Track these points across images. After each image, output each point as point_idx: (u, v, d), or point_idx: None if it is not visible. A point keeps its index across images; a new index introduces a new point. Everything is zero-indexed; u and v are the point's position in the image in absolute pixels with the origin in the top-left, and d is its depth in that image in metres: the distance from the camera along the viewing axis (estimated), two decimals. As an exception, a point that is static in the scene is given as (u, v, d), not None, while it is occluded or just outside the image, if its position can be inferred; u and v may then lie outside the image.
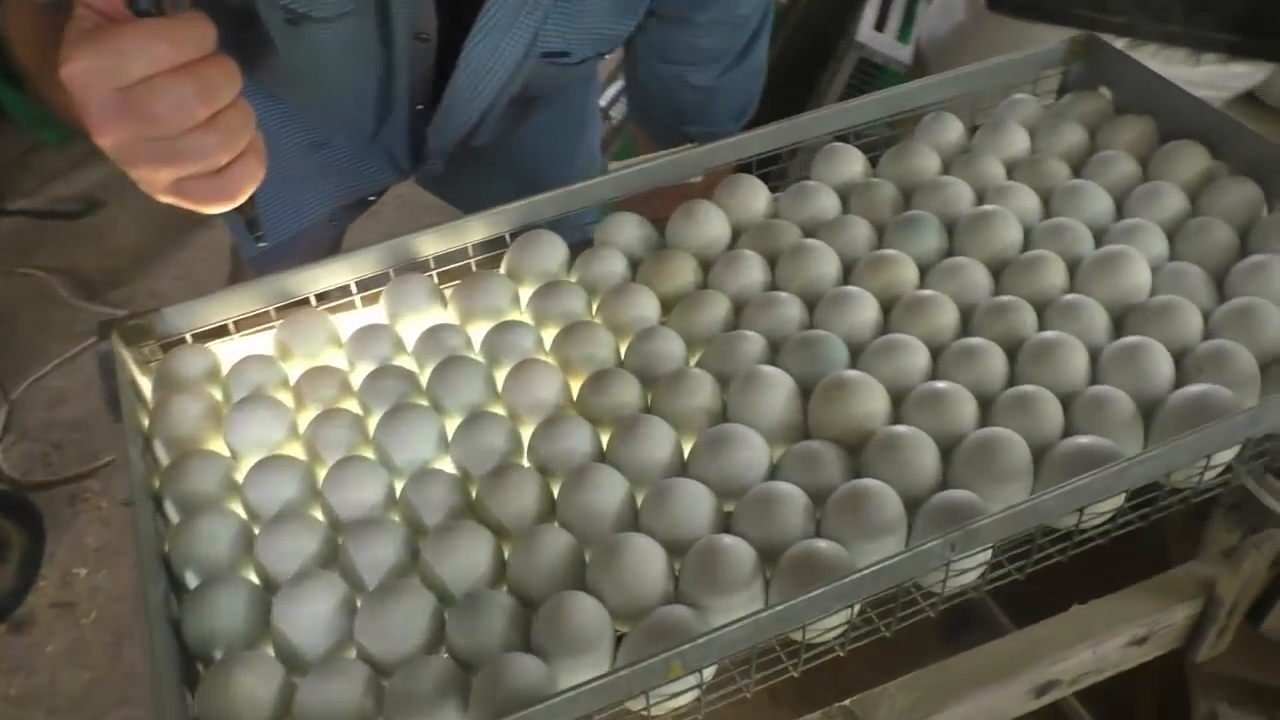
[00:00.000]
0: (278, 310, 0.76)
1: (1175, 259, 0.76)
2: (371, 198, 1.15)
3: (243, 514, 0.65)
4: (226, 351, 0.75)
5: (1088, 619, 0.63)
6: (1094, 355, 0.69)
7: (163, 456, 0.68)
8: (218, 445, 0.69)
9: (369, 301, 0.78)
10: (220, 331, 0.76)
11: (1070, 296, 0.72)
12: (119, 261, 2.21)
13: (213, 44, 0.56)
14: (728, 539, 0.60)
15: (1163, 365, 0.67)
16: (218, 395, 0.71)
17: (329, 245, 1.28)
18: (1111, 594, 0.64)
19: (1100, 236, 0.77)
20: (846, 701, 0.60)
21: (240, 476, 0.66)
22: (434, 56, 0.87)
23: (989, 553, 0.60)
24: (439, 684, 0.55)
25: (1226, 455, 0.65)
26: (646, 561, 0.59)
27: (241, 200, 0.60)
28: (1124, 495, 0.62)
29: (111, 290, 2.14)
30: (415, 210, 2.01)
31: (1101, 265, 0.73)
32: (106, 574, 1.67)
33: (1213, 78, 1.38)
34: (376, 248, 0.76)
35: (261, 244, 0.66)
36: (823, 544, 0.59)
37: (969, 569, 0.60)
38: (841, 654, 0.59)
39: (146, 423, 0.70)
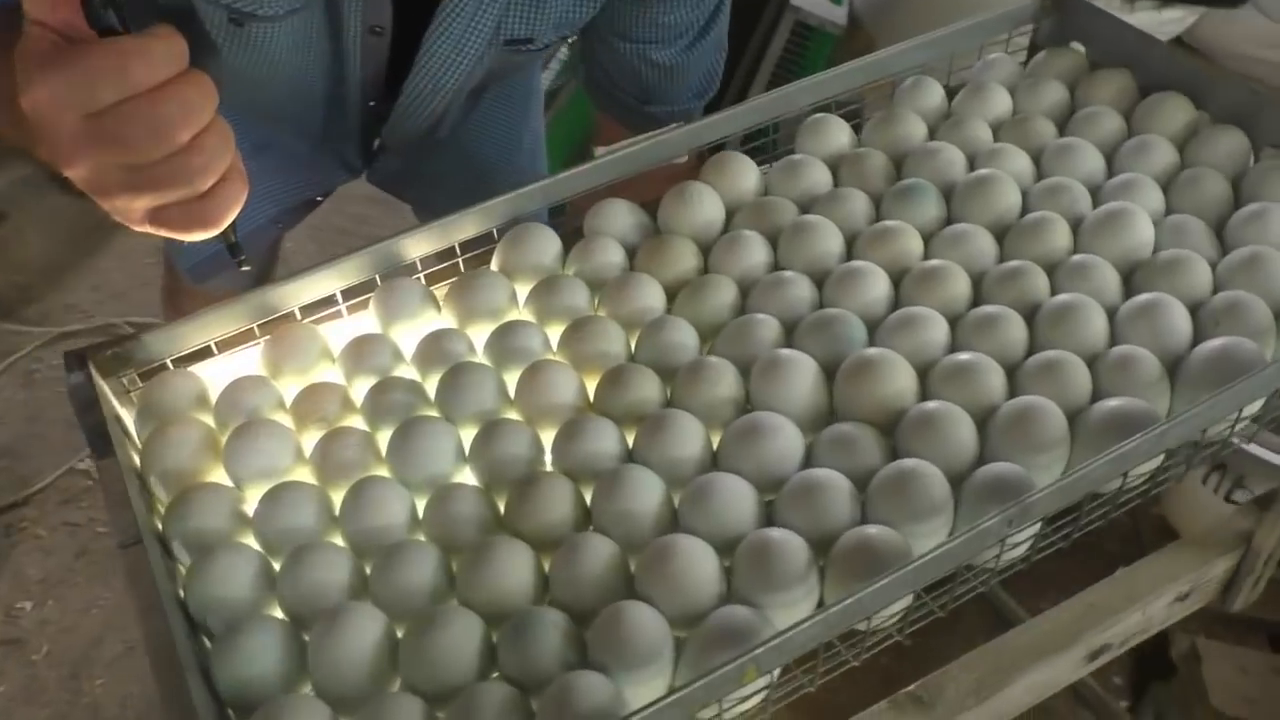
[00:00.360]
0: (260, 327, 0.71)
1: (1171, 212, 0.76)
2: (319, 198, 1.11)
3: (257, 548, 0.61)
4: (209, 374, 0.71)
5: (1134, 581, 0.63)
6: (1110, 315, 0.69)
7: (160, 493, 0.64)
8: (218, 476, 0.65)
9: (354, 310, 0.75)
10: (200, 354, 0.71)
11: (1079, 257, 0.71)
12: (29, 276, 2.10)
13: (186, 60, 0.52)
14: (777, 533, 0.58)
15: (1180, 321, 0.67)
16: (209, 422, 0.67)
17: (270, 248, 1.23)
18: (1152, 554, 0.64)
19: (1096, 194, 0.77)
20: (912, 686, 0.59)
21: (249, 508, 0.63)
22: (388, 51, 0.83)
23: (1039, 524, 0.59)
24: (499, 712, 0.52)
25: (1254, 408, 0.65)
26: (697, 563, 0.57)
27: (225, 225, 0.57)
28: (1163, 455, 0.62)
29: (25, 307, 2.04)
30: (344, 201, 1.95)
31: (1105, 223, 0.73)
32: (54, 605, 1.59)
33: (1147, 23, 1.40)
34: (360, 254, 0.73)
35: (245, 268, 0.62)
36: (874, 530, 0.57)
37: (1020, 542, 0.60)
38: (903, 640, 0.58)
39: (136, 458, 0.65)
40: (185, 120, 0.51)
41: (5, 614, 1.58)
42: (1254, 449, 1.25)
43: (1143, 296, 0.68)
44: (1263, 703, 1.25)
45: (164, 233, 0.56)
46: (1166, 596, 0.63)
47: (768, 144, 0.84)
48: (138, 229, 0.56)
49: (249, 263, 0.64)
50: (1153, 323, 0.67)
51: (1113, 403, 0.63)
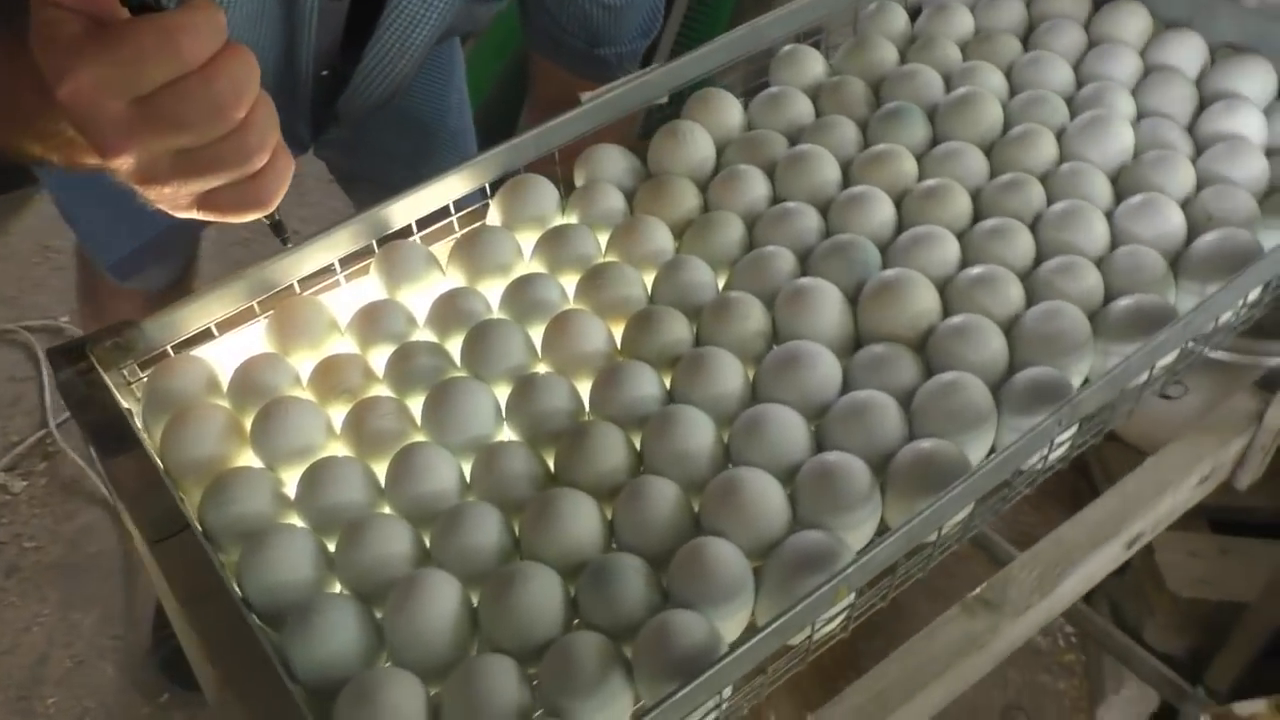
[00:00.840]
0: (260, 305, 0.69)
1: (1142, 114, 0.78)
2: None
3: (306, 527, 0.59)
4: (213, 358, 0.68)
5: (1162, 468, 0.66)
6: (1106, 216, 0.71)
7: (191, 485, 0.61)
8: (245, 460, 0.62)
9: (353, 278, 0.72)
10: (196, 339, 0.68)
11: (1069, 165, 0.73)
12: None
13: (226, 32, 0.49)
14: (835, 456, 0.59)
15: (1174, 217, 0.70)
16: (225, 406, 0.64)
17: (196, 236, 1.17)
18: (1172, 442, 0.67)
19: (1070, 103, 0.79)
20: (978, 590, 0.60)
21: (287, 488, 0.60)
22: (345, 17, 0.79)
23: (1077, 425, 0.61)
24: (596, 660, 0.52)
25: (1255, 293, 0.68)
26: (763, 494, 0.57)
27: (276, 204, 0.54)
28: (1178, 351, 0.65)
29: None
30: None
31: (1087, 131, 0.75)
32: (-11, 627, 1.52)
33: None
34: (354, 221, 0.70)
35: (289, 244, 0.60)
36: (929, 444, 0.59)
37: (1062, 443, 0.62)
38: (959, 549, 0.60)
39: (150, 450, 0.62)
40: (238, 97, 0.49)
41: (-62, 641, 1.50)
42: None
43: (1137, 197, 0.70)
44: (1213, 582, 1.32)
45: (214, 216, 0.53)
46: (1192, 479, 0.66)
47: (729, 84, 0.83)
48: (182, 215, 0.53)
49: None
50: (1150, 221, 0.69)
51: (1125, 302, 0.65)
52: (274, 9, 0.76)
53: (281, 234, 0.60)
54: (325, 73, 0.85)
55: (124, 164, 0.48)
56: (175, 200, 0.51)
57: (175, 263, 1.14)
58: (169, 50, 0.46)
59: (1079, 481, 1.54)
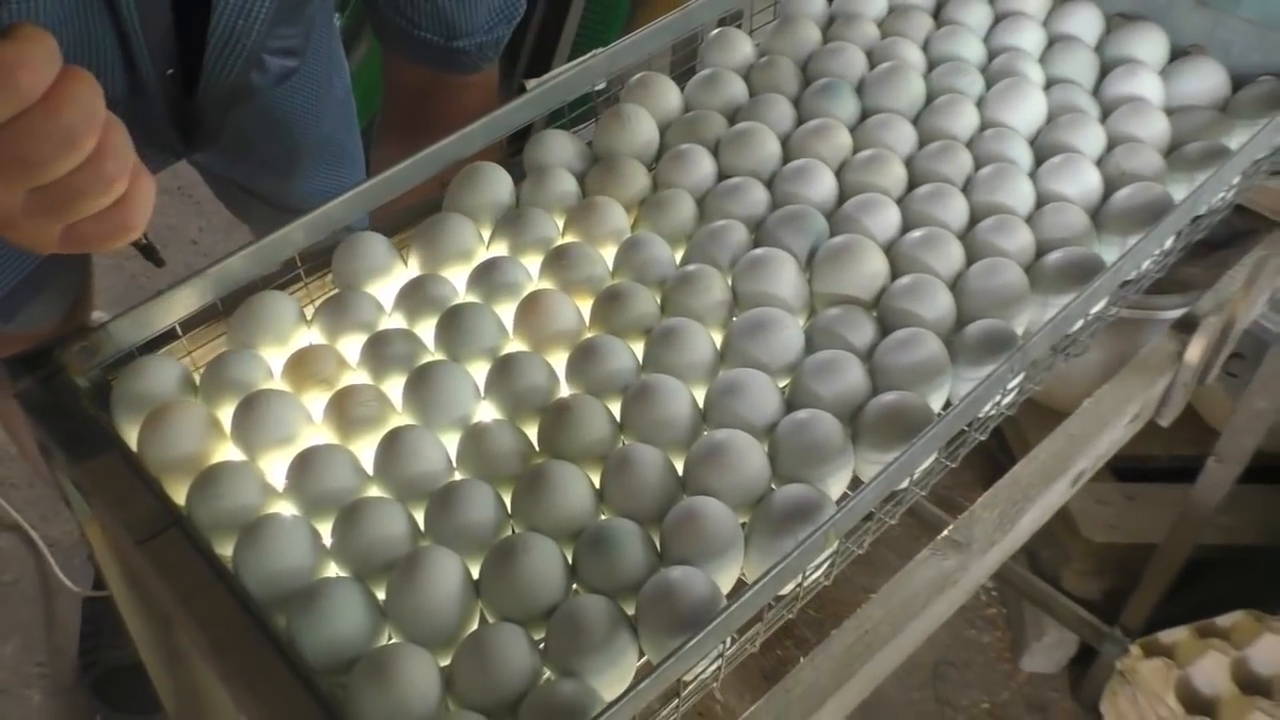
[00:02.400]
0: (223, 302, 0.69)
1: (1051, 81, 0.83)
2: None
3: (298, 515, 0.59)
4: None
5: (1100, 409, 0.71)
6: (1030, 178, 0.75)
7: (171, 483, 0.61)
8: (226, 454, 0.62)
9: (312, 274, 0.73)
10: (161, 341, 0.68)
11: (991, 130, 0.78)
12: None
13: (60, 57, 0.47)
14: (805, 414, 0.62)
15: (1092, 175, 0.75)
16: (200, 404, 0.65)
17: (84, 261, 1.11)
18: (1106, 383, 0.72)
19: (985, 72, 0.84)
20: (945, 531, 0.64)
21: (274, 480, 0.61)
22: (169, 9, 0.76)
23: (1024, 373, 0.66)
24: (601, 621, 0.54)
25: (1169, 243, 0.73)
26: (746, 453, 0.60)
27: (144, 227, 0.53)
28: (1107, 299, 0.69)
29: None
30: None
31: (1004, 96, 0.80)
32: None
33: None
34: (308, 219, 0.70)
35: (162, 265, 0.60)
36: (894, 396, 0.62)
37: (1012, 389, 0.66)
38: (925, 495, 0.63)
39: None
40: (87, 124, 0.47)
41: None
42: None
43: (1057, 157, 0.75)
44: (1121, 526, 1.40)
45: (81, 249, 0.52)
46: (1125, 418, 0.71)
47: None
48: (48, 254, 0.52)
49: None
50: (1070, 178, 0.74)
51: (1058, 255, 0.70)
52: (95, 9, 0.72)
53: (153, 257, 0.58)
54: (170, 71, 0.80)
55: None
56: (37, 240, 0.50)
57: (64, 295, 1.06)
58: (6, 88, 0.44)
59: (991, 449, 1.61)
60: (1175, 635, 1.15)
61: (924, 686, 1.51)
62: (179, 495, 0.60)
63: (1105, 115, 0.80)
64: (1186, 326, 0.76)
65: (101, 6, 0.72)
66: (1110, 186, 0.75)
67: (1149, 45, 0.84)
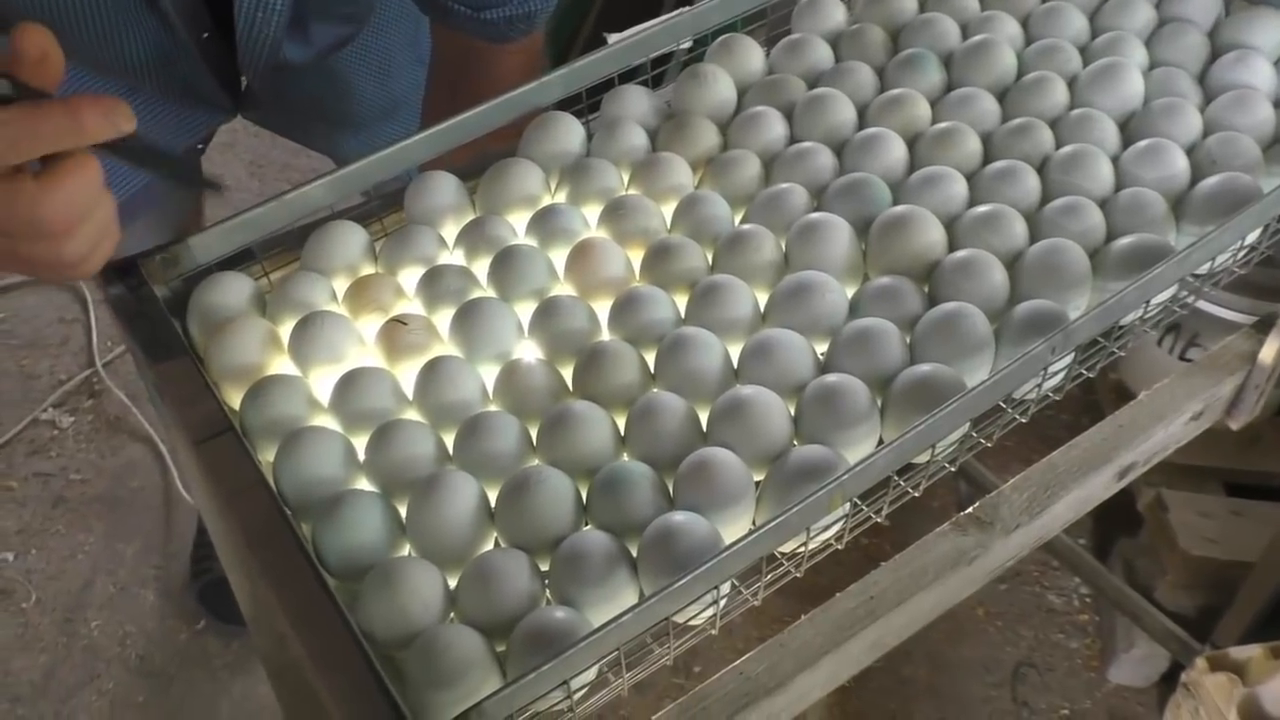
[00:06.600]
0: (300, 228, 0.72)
1: (1154, 64, 0.80)
2: (200, 145, 1.02)
3: (338, 429, 0.63)
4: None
5: (1156, 403, 0.68)
6: (1113, 161, 0.73)
7: (232, 391, 0.65)
8: (282, 369, 0.66)
9: (388, 210, 0.76)
10: (238, 259, 0.72)
11: (1078, 111, 0.76)
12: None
13: (85, 134, 0.53)
14: (834, 378, 0.62)
15: (1179, 161, 0.72)
16: (264, 320, 0.69)
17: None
18: (1168, 378, 0.69)
19: (1084, 52, 0.81)
20: (970, 509, 0.63)
21: (319, 395, 0.64)
22: None
23: (1072, 355, 0.64)
24: (603, 556, 0.55)
25: (1254, 235, 0.70)
26: (768, 410, 0.60)
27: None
28: (1177, 284, 0.67)
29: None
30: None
31: (1099, 78, 0.77)
32: (37, 554, 1.58)
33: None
34: (382, 154, 0.73)
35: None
36: (928, 367, 0.61)
37: (1056, 372, 0.64)
38: (952, 469, 0.63)
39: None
40: (67, 218, 0.53)
41: (-12, 566, 1.57)
42: (1207, 306, 1.33)
43: (1143, 142, 0.73)
44: (1222, 541, 1.34)
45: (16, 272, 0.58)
46: (1184, 415, 0.69)
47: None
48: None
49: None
50: (1155, 164, 0.71)
51: (1126, 241, 0.67)
52: None
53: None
54: (205, 35, 0.81)
55: None
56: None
57: (161, 228, 1.07)
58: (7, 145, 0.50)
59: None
60: (1248, 652, 1.09)
61: (1002, 685, 1.48)
62: (238, 403, 0.64)
63: (1208, 102, 0.77)
64: (1265, 326, 0.73)
65: None
66: (1198, 175, 0.72)
67: (1267, 31, 0.80)
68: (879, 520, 0.61)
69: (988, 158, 0.75)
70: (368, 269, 0.72)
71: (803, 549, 0.58)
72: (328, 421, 0.63)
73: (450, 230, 0.73)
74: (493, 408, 0.64)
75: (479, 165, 0.78)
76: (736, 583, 0.57)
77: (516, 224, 0.73)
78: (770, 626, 1.41)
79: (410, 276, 0.70)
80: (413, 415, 0.64)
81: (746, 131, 0.77)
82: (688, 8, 0.81)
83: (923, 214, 0.69)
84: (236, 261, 0.72)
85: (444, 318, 0.67)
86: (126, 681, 1.46)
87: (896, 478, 0.61)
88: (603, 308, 0.68)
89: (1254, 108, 0.74)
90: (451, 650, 0.52)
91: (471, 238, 0.71)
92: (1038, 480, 0.65)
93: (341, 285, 0.70)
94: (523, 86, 0.76)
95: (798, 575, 0.59)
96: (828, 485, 0.54)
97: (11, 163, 0.52)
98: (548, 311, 0.66)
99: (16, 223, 0.52)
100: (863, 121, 0.78)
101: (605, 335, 0.67)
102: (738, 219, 0.73)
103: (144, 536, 1.61)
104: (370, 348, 0.67)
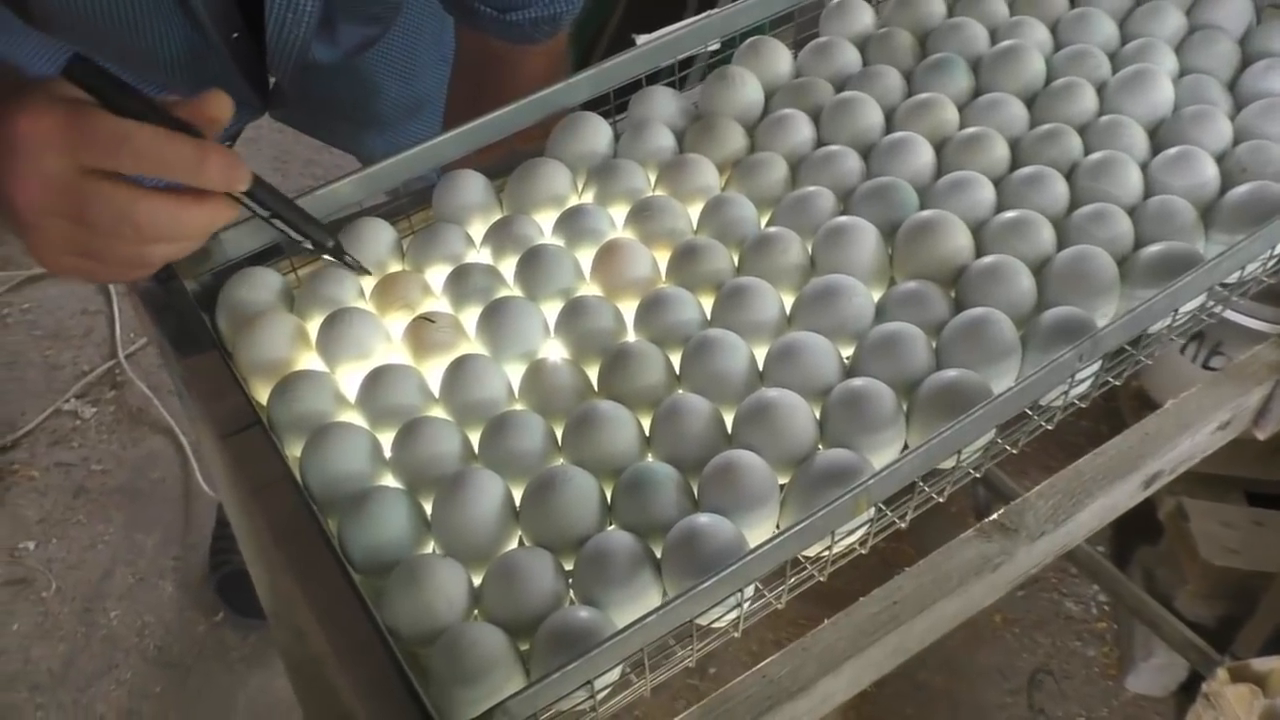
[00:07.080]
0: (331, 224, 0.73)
1: (1184, 72, 0.80)
2: (227, 142, 1.03)
3: (365, 426, 0.63)
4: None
5: (1183, 411, 0.68)
6: (1142, 168, 0.73)
7: (259, 385, 0.66)
8: (309, 364, 0.67)
9: (416, 208, 0.76)
10: (268, 256, 0.73)
11: (1107, 117, 0.75)
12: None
13: (213, 178, 0.58)
14: (860, 382, 0.62)
15: (1208, 169, 0.71)
16: (292, 315, 0.69)
17: None
18: (1195, 387, 0.69)
19: (1113, 58, 0.81)
20: (994, 515, 0.63)
21: (346, 390, 0.65)
22: None
23: (1099, 363, 0.64)
24: (628, 557, 0.55)
25: (1282, 245, 0.70)
26: (793, 413, 0.60)
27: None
28: (1206, 293, 0.67)
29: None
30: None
31: (1128, 85, 0.77)
32: (57, 543, 1.59)
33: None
34: (407, 154, 0.74)
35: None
36: (955, 373, 0.61)
37: (1084, 379, 0.64)
38: (977, 475, 0.63)
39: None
40: (163, 236, 0.57)
41: (10, 555, 1.58)
42: (1232, 315, 1.32)
43: (1173, 149, 0.72)
44: (1244, 552, 1.33)
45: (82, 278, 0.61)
46: (1211, 425, 0.68)
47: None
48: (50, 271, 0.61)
49: None
50: (1184, 172, 0.71)
51: (1155, 248, 0.67)
52: None
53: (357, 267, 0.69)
54: (235, 35, 0.82)
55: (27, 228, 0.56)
56: (57, 265, 0.58)
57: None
58: (132, 155, 0.54)
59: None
60: (1270, 664, 1.09)
61: (1019, 692, 1.48)
62: (265, 397, 0.65)
63: (1239, 110, 0.77)
64: (1297, 336, 0.73)
65: None
66: (1228, 183, 0.71)
67: (1299, 40, 0.80)
68: (902, 525, 0.61)
69: (1015, 163, 0.75)
70: (395, 266, 0.72)
71: (827, 553, 0.58)
72: (354, 418, 0.64)
73: (478, 229, 0.74)
74: (518, 407, 0.64)
75: (507, 164, 0.78)
76: (760, 585, 0.57)
77: (543, 223, 0.73)
78: (785, 629, 1.41)
79: (437, 274, 0.71)
80: (439, 413, 0.64)
81: (773, 134, 0.77)
82: (716, 10, 0.81)
83: (950, 219, 0.69)
84: (265, 257, 0.72)
85: (471, 316, 0.68)
86: (144, 672, 1.47)
87: (921, 483, 0.61)
88: (629, 308, 0.68)
89: (1285, 116, 0.74)
90: (476, 648, 0.53)
91: (499, 237, 0.71)
92: (1063, 487, 0.65)
93: (369, 282, 0.71)
94: (548, 88, 0.76)
95: (821, 579, 0.59)
96: (853, 489, 0.54)
97: (129, 173, 0.55)
98: (574, 311, 0.66)
99: (107, 218, 0.55)
100: (890, 125, 0.78)
101: (631, 336, 0.67)
102: (764, 221, 0.73)
103: (163, 528, 1.62)
104: (397, 345, 0.67)
